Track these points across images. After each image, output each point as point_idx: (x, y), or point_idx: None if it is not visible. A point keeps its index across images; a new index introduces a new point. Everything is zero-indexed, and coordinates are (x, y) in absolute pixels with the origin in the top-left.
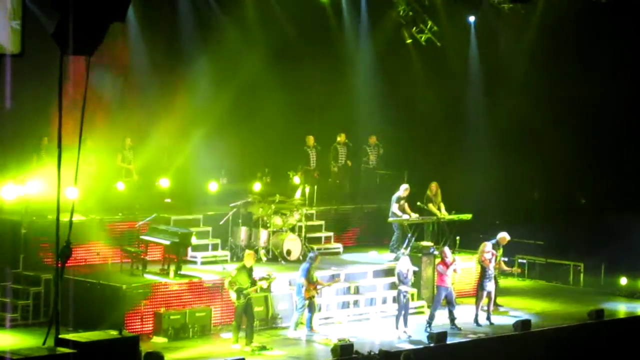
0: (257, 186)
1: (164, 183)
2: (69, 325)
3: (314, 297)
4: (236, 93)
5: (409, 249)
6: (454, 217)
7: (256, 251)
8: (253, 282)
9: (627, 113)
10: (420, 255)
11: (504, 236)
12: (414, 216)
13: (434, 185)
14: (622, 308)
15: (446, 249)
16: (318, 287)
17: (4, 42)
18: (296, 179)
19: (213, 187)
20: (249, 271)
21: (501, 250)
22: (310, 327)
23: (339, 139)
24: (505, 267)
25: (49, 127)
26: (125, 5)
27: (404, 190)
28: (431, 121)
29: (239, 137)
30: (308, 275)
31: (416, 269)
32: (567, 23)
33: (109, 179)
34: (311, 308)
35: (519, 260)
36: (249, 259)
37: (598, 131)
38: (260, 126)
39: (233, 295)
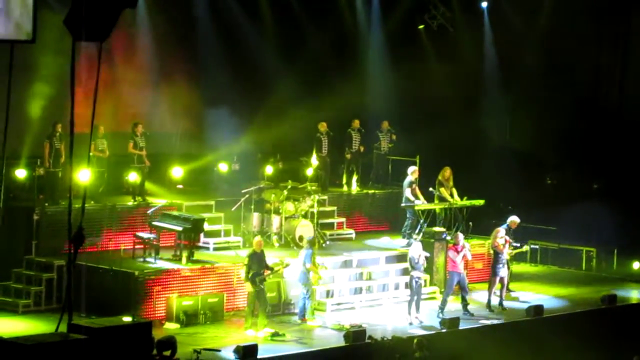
0: (269, 169)
1: (177, 172)
2: (82, 311)
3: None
4: (248, 79)
5: (421, 234)
6: (467, 202)
7: (268, 237)
8: (268, 267)
9: None
10: (432, 241)
11: (514, 220)
12: (422, 201)
13: (447, 171)
14: (635, 293)
15: (459, 235)
16: (320, 271)
17: (15, 28)
18: (309, 171)
19: (223, 167)
20: (261, 256)
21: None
22: (304, 317)
23: (352, 124)
24: (515, 248)
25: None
26: None
27: (412, 172)
28: (444, 106)
29: (252, 123)
30: (313, 260)
31: (428, 254)
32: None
33: (121, 166)
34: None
35: (532, 246)
36: (258, 245)
37: (613, 115)
38: (273, 112)
39: (249, 287)
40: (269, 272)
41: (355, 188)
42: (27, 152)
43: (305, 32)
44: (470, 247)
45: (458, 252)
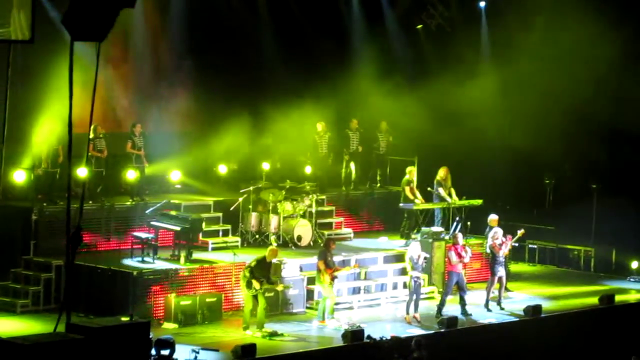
0: (265, 165)
1: (175, 176)
2: (80, 311)
3: (333, 280)
4: (246, 79)
5: (419, 234)
6: (465, 202)
7: (266, 237)
8: (268, 279)
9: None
10: (430, 240)
11: (492, 218)
12: (420, 201)
13: (443, 170)
14: (633, 292)
15: (458, 235)
16: (335, 272)
17: (14, 28)
18: (308, 169)
19: (222, 169)
20: (267, 266)
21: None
22: (323, 318)
23: (351, 125)
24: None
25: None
26: None
27: (409, 173)
28: (442, 106)
29: (250, 123)
30: (325, 259)
31: (428, 255)
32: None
33: (119, 165)
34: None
35: (530, 246)
36: (271, 254)
37: (611, 116)
38: (271, 112)
39: (250, 285)
40: (267, 285)
41: (353, 188)
42: (26, 152)
43: (305, 32)
44: (472, 252)
45: (457, 252)
